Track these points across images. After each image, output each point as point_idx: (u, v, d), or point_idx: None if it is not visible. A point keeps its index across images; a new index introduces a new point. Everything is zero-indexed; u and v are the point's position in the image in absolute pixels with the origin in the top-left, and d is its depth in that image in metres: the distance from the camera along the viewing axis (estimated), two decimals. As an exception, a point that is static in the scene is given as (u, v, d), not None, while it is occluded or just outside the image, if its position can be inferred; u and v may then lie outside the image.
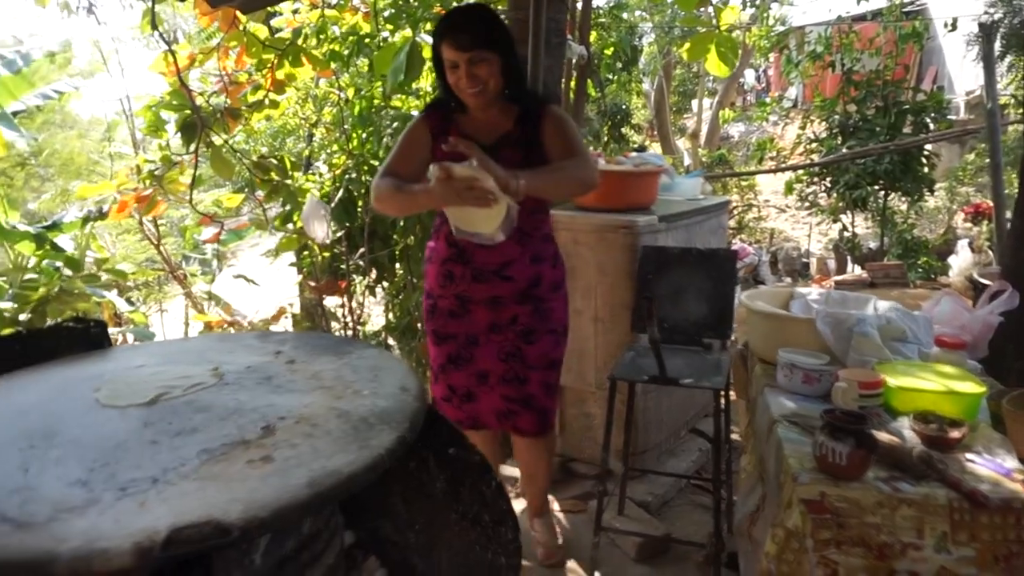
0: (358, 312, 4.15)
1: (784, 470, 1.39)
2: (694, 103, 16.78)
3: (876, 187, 7.58)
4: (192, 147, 3.43)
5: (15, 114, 5.63)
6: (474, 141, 1.87)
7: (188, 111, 3.47)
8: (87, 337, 1.52)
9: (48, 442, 1.06)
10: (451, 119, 1.98)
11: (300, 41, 4.02)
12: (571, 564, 2.30)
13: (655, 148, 12.20)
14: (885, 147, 6.94)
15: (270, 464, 0.98)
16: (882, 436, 1.34)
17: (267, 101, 4.08)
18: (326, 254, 4.14)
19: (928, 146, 7.50)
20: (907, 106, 7.63)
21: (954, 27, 8.42)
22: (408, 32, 3.83)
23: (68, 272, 4.50)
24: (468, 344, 2.04)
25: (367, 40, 4.55)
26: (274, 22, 4.26)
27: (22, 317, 3.30)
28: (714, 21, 3.54)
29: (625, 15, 9.72)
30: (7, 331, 2.76)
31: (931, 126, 7.56)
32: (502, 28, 1.90)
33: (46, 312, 3.05)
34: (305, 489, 0.92)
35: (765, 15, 11.16)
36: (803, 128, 8.85)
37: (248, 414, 1.14)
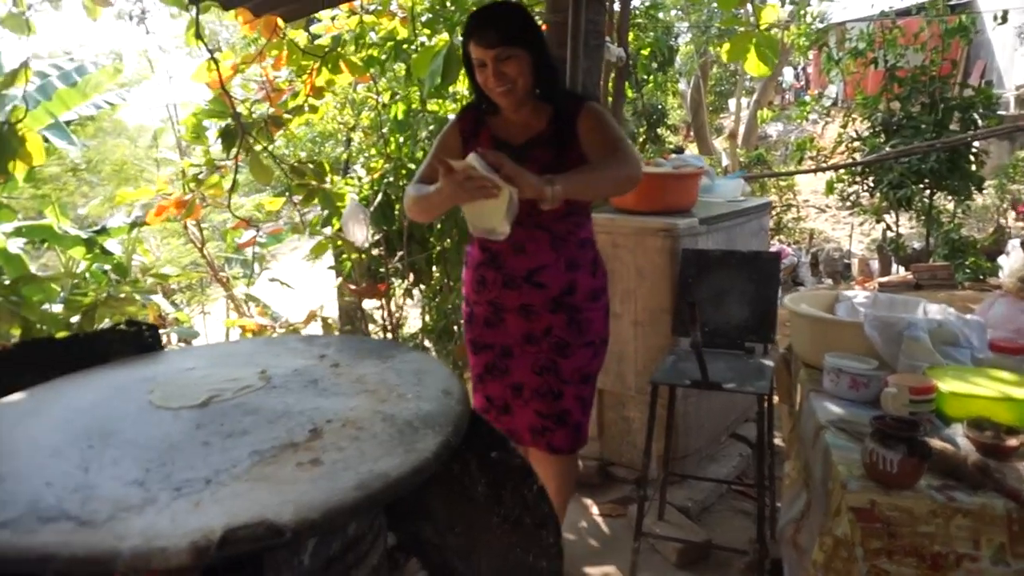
0: (396, 315, 4.19)
1: (832, 477, 1.36)
2: (731, 102, 16.58)
3: (921, 186, 7.39)
4: (232, 153, 3.51)
5: (68, 123, 5.83)
6: (505, 143, 1.85)
7: (230, 119, 3.55)
8: (140, 340, 1.56)
9: (105, 442, 1.10)
10: (483, 122, 1.93)
11: (339, 47, 4.08)
12: (611, 569, 2.29)
13: (691, 148, 12.09)
14: (931, 145, 6.75)
15: (319, 467, 1.00)
16: (935, 443, 1.31)
17: (306, 107, 4.16)
18: (365, 257, 4.19)
19: (976, 143, 7.28)
20: (954, 102, 7.42)
21: (1004, 19, 8.18)
22: (445, 36, 3.86)
23: (115, 276, 4.64)
24: (503, 355, 1.97)
25: (404, 45, 4.60)
26: (313, 28, 4.33)
27: (72, 320, 3.40)
28: (753, 20, 3.49)
29: (661, 15, 9.65)
30: (62, 334, 2.85)
31: (979, 122, 7.34)
32: (532, 24, 1.84)
33: (95, 316, 3.14)
34: (353, 492, 0.94)
35: (803, 13, 10.97)
36: (844, 127, 8.67)
37: (296, 417, 1.16)
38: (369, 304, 4.50)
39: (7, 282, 2.87)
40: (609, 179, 1.83)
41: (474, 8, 4.67)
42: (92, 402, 1.26)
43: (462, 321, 2.15)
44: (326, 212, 4.31)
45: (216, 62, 3.13)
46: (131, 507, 0.90)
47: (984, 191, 8.11)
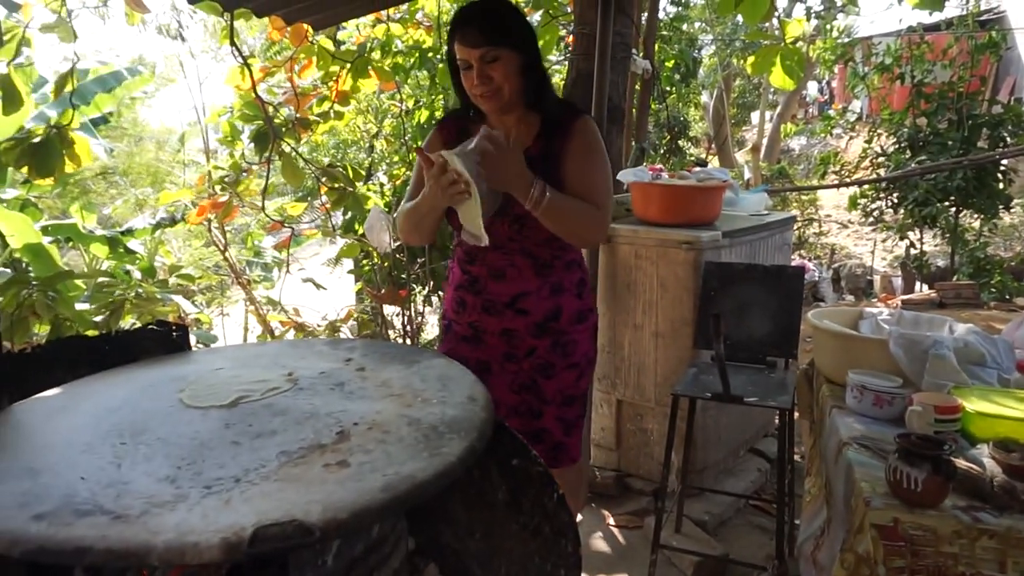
0: (417, 321, 4.21)
1: (855, 494, 1.35)
2: (754, 115, 16.50)
3: (947, 203, 7.30)
4: (264, 156, 3.57)
5: (95, 123, 5.96)
6: None
7: (261, 122, 3.61)
8: (169, 340, 1.59)
9: (137, 439, 1.12)
10: (467, 132, 1.77)
11: (365, 54, 4.14)
12: (627, 580, 2.29)
13: (713, 161, 12.06)
14: (958, 162, 6.68)
15: (346, 468, 1.01)
16: (960, 463, 1.30)
17: (332, 112, 4.22)
18: (387, 264, 4.22)
19: (1005, 161, 7.19)
20: (982, 119, 7.34)
21: (1034, 37, 8.07)
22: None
23: (138, 275, 4.72)
24: (479, 371, 1.79)
25: (430, 53, 4.65)
26: (340, 36, 4.39)
27: (97, 319, 3.47)
28: (778, 33, 3.49)
29: (685, 26, 9.65)
30: (91, 332, 2.90)
31: (1008, 140, 7.25)
32: (522, 23, 1.70)
33: (121, 315, 3.20)
34: (380, 493, 0.95)
35: (829, 27, 10.92)
36: (869, 142, 8.60)
37: (323, 419, 1.18)
38: (389, 309, 4.54)
39: (44, 277, 2.93)
40: (583, 225, 1.69)
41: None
42: (123, 400, 1.28)
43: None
44: (349, 216, 4.36)
45: (249, 67, 3.19)
46: (164, 503, 0.92)
47: (1012, 210, 8.00)
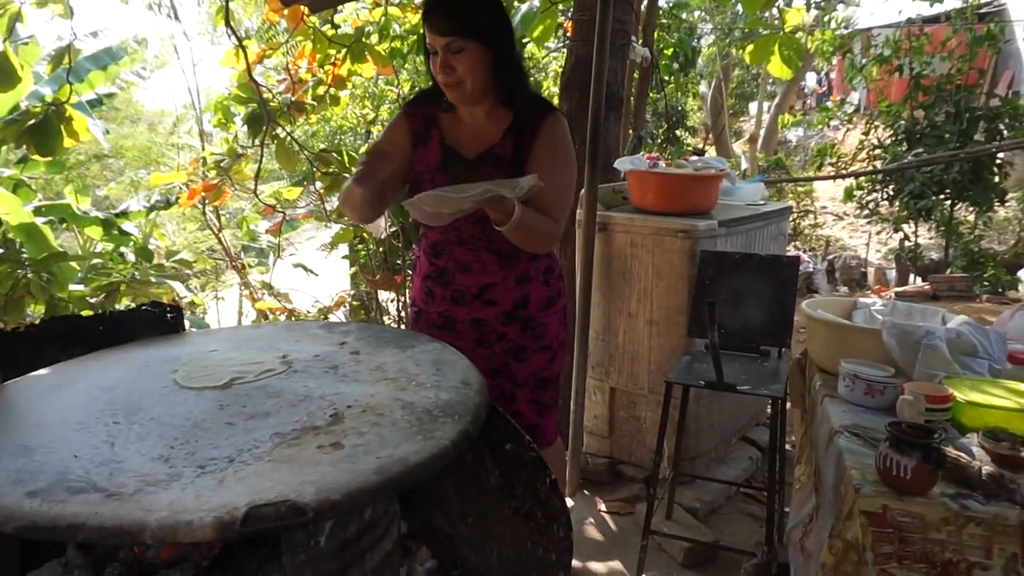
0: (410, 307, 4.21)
1: (845, 481, 1.36)
2: (752, 106, 16.47)
3: (942, 196, 7.32)
4: (258, 139, 3.54)
5: (91, 104, 5.90)
6: (456, 154, 1.71)
7: (255, 105, 3.58)
8: (164, 321, 1.59)
9: (130, 419, 1.12)
10: (434, 121, 1.73)
11: (363, 38, 4.11)
12: (618, 566, 2.30)
13: (710, 151, 12.04)
14: (954, 155, 6.69)
15: (340, 450, 1.02)
16: (950, 452, 1.31)
17: (328, 97, 4.19)
18: (381, 249, 4.22)
19: (1001, 154, 7.20)
20: (980, 112, 7.34)
21: (1033, 30, 8.06)
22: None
23: (132, 258, 4.70)
24: None
25: (428, 38, 4.60)
26: (337, 19, 4.35)
27: (92, 301, 3.45)
28: (777, 22, 3.48)
29: (684, 15, 9.60)
30: (86, 312, 2.89)
31: (1005, 133, 7.25)
32: (494, 15, 1.62)
33: (116, 298, 3.19)
34: (374, 475, 0.95)
35: (828, 18, 10.88)
36: (866, 134, 8.60)
37: (317, 401, 1.18)
38: (383, 295, 4.54)
39: (39, 258, 2.92)
40: (539, 242, 1.70)
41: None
42: (117, 379, 1.28)
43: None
44: (344, 201, 4.34)
45: (244, 49, 3.16)
46: (157, 482, 0.93)
47: (1006, 203, 8.02)
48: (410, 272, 4.39)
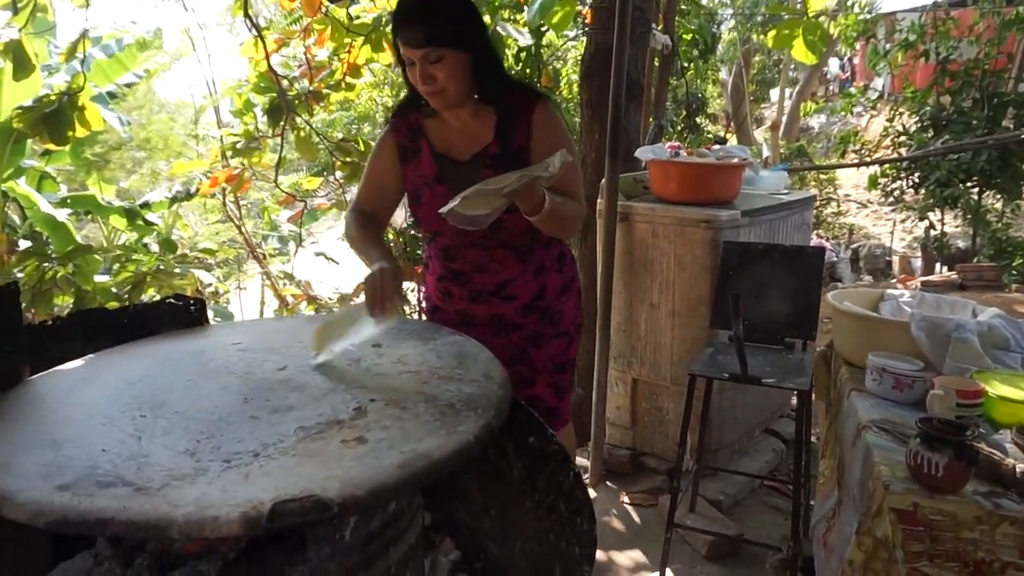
0: (430, 297, 4.21)
1: (873, 477, 1.34)
2: (773, 92, 16.25)
3: (969, 184, 7.17)
4: (277, 128, 3.55)
5: (111, 96, 5.96)
6: (448, 159, 1.70)
7: (275, 94, 3.59)
8: (187, 314, 1.60)
9: (156, 412, 1.13)
10: (421, 131, 1.72)
11: (381, 26, 4.10)
12: (641, 558, 2.30)
13: (731, 139, 11.90)
14: (982, 142, 6.55)
15: (363, 444, 1.01)
16: (983, 449, 1.28)
17: (344, 84, 4.18)
18: (401, 239, 4.22)
19: (1030, 141, 7.03)
20: (1008, 98, 7.18)
21: (1065, 13, 7.84)
22: (487, 20, 3.83)
23: (155, 248, 4.75)
24: None
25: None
26: (354, 10, 4.34)
27: (117, 292, 3.50)
28: (799, 7, 3.42)
29: (704, 0, 9.47)
30: (112, 304, 2.93)
31: (1034, 120, 7.10)
32: (469, 17, 1.60)
33: (143, 289, 3.23)
34: (397, 470, 0.95)
35: (851, 2, 10.68)
36: (891, 120, 8.45)
37: (340, 394, 1.18)
38: (404, 285, 4.55)
39: (65, 252, 2.97)
40: (570, 225, 1.70)
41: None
42: (142, 373, 1.29)
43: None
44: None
45: (263, 39, 3.16)
46: (184, 476, 0.93)
47: (1036, 191, 7.85)
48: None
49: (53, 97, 3.05)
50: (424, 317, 4.36)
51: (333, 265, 5.19)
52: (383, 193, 1.78)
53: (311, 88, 3.92)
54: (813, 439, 2.66)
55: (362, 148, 4.23)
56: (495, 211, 1.46)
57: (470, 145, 1.69)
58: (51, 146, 3.15)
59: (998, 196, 7.51)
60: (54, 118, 2.98)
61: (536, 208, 1.52)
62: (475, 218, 1.46)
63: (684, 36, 8.31)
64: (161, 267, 3.33)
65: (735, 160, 2.65)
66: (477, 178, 1.57)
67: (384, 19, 4.29)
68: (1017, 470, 1.24)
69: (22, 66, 2.98)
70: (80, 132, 3.04)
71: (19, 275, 3.00)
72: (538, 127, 1.66)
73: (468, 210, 1.44)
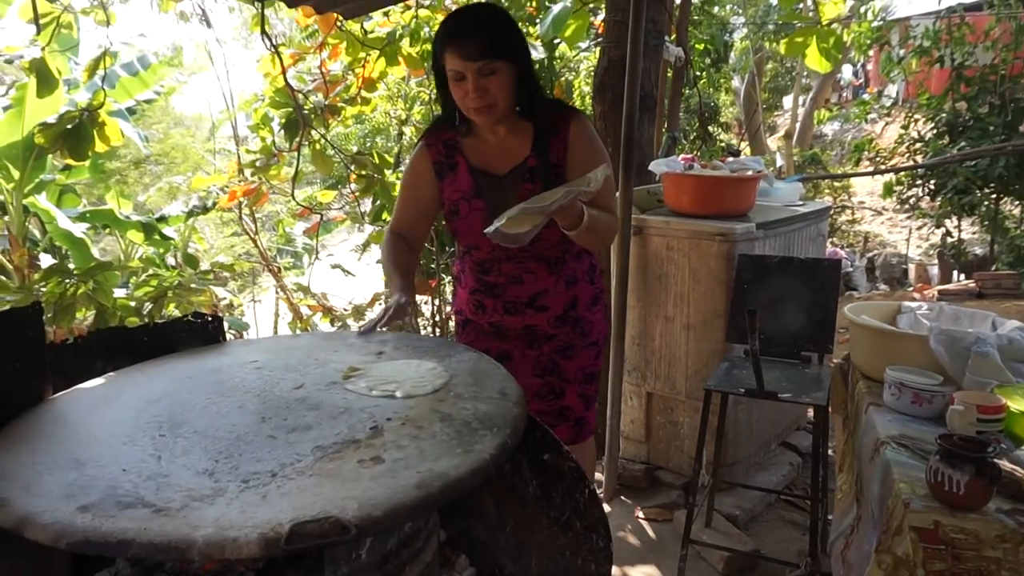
0: (446, 311, 4.23)
1: (893, 494, 1.33)
2: (786, 100, 16.20)
3: (987, 190, 7.10)
4: (295, 143, 3.60)
5: (130, 111, 6.05)
6: (486, 173, 1.72)
7: (291, 109, 3.64)
8: (205, 331, 1.61)
9: (176, 431, 1.14)
10: (456, 147, 1.73)
11: (395, 41, 4.14)
12: (656, 574, 2.28)
13: (744, 147, 11.87)
14: (1000, 148, 6.49)
15: (380, 464, 1.02)
16: (1005, 465, 1.26)
17: (359, 98, 4.23)
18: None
19: (1049, 147, 6.96)
20: (1025, 103, 7.12)
21: (1082, 18, 7.77)
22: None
23: (171, 261, 4.81)
24: (500, 359, 1.80)
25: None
26: (368, 25, 4.39)
27: (135, 307, 3.54)
28: (812, 14, 3.42)
29: (716, 9, 9.48)
30: (132, 321, 2.96)
31: (1053, 126, 7.02)
32: (516, 32, 1.63)
33: (163, 305, 3.27)
34: (415, 491, 0.95)
35: (865, 9, 10.64)
36: (906, 127, 8.39)
37: (357, 413, 1.19)
38: (419, 299, 4.57)
39: (86, 268, 3.01)
40: (605, 237, 1.74)
41: (530, 5, 4.66)
42: (162, 392, 1.30)
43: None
44: (379, 204, 4.38)
45: (279, 55, 3.20)
46: (203, 497, 0.94)
47: (1055, 197, 7.75)
48: (444, 276, 4.41)
49: (75, 113, 3.10)
50: (439, 329, 4.38)
51: (349, 277, 5.22)
52: (419, 209, 1.80)
53: (327, 102, 3.97)
54: (830, 452, 2.63)
55: (377, 161, 4.27)
56: (536, 228, 1.49)
57: (507, 159, 1.71)
58: (71, 161, 3.20)
59: (1016, 202, 7.42)
60: (75, 134, 3.04)
61: (575, 223, 1.56)
62: (517, 236, 1.49)
63: (697, 46, 8.32)
64: (181, 282, 3.37)
65: (749, 172, 2.65)
66: (515, 192, 1.63)
67: (398, 33, 4.34)
68: (1040, 488, 1.22)
69: (45, 83, 3.04)
70: (100, 148, 3.10)
71: (42, 290, 3.04)
72: (575, 141, 1.69)
73: (512, 229, 1.47)
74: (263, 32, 3.06)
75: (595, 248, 1.83)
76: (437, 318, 4.22)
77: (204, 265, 4.59)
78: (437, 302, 4.24)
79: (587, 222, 1.57)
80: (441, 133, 1.75)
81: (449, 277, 4.44)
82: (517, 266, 1.78)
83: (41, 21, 3.04)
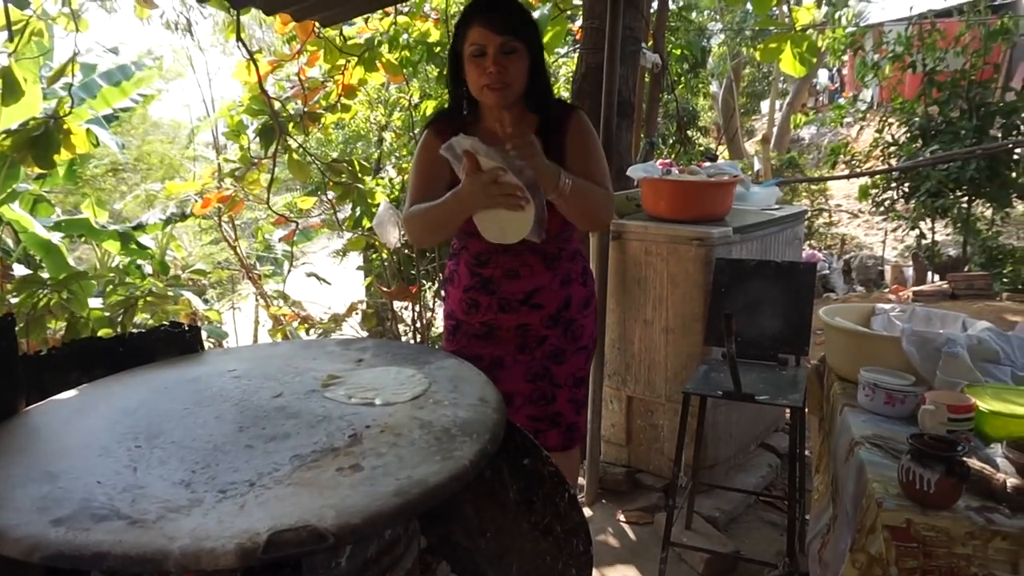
0: (426, 316, 4.22)
1: (867, 494, 1.35)
2: (764, 105, 16.38)
3: (959, 193, 7.23)
4: (271, 150, 3.58)
5: (108, 120, 5.98)
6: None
7: (267, 116, 3.62)
8: (182, 340, 1.60)
9: (152, 442, 1.13)
10: (464, 131, 1.71)
11: (373, 48, 4.14)
12: (637, 576, 2.29)
13: (723, 153, 11.98)
14: (971, 151, 6.60)
15: (359, 472, 1.02)
16: (974, 464, 1.29)
17: (339, 105, 4.22)
18: (396, 259, 4.23)
19: (1018, 150, 7.10)
20: (995, 107, 7.25)
21: (1048, 23, 7.95)
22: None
23: (148, 270, 4.75)
24: (493, 366, 1.86)
25: (437, 48, 4.63)
26: (347, 30, 4.38)
27: (110, 316, 3.49)
28: (788, 20, 3.47)
29: (694, 15, 9.57)
30: (105, 331, 2.92)
31: (1022, 128, 7.16)
32: (535, 23, 1.73)
33: (134, 313, 3.23)
34: (393, 498, 0.95)
35: (838, 15, 10.79)
36: (880, 131, 8.52)
37: (335, 421, 1.19)
38: (399, 305, 4.55)
39: (59, 278, 2.97)
40: (599, 206, 1.73)
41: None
42: (138, 402, 1.29)
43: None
44: (358, 211, 4.37)
45: (255, 63, 3.19)
46: (179, 508, 0.93)
47: (1025, 199, 7.91)
48: (424, 282, 4.41)
49: (41, 120, 3.06)
50: (419, 335, 4.37)
51: (325, 286, 5.20)
52: (436, 183, 1.76)
53: (305, 109, 3.95)
54: (807, 453, 2.66)
55: (356, 168, 4.26)
56: (536, 214, 1.57)
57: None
58: (38, 168, 3.16)
59: (987, 205, 7.56)
60: (40, 141, 3.00)
61: (555, 179, 1.59)
62: (502, 234, 1.62)
63: (674, 51, 8.39)
64: (154, 290, 3.33)
65: (726, 177, 2.68)
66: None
67: (376, 40, 4.34)
68: (1008, 484, 1.25)
69: (12, 92, 2.99)
70: (65, 155, 3.06)
71: (13, 300, 3.00)
72: (574, 136, 1.76)
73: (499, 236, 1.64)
74: (239, 39, 3.05)
75: (590, 222, 1.88)
76: (418, 324, 4.21)
77: (175, 272, 4.54)
78: (418, 308, 4.24)
79: (571, 185, 1.60)
80: (447, 122, 1.79)
81: (428, 284, 4.44)
82: (514, 259, 1.79)
83: (13, 28, 3.00)
